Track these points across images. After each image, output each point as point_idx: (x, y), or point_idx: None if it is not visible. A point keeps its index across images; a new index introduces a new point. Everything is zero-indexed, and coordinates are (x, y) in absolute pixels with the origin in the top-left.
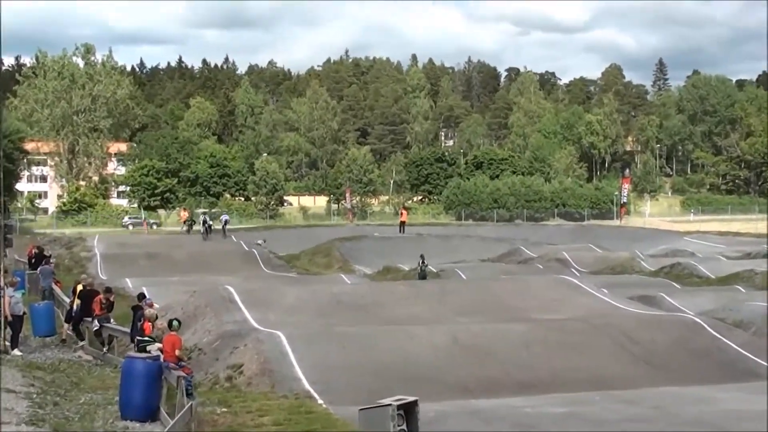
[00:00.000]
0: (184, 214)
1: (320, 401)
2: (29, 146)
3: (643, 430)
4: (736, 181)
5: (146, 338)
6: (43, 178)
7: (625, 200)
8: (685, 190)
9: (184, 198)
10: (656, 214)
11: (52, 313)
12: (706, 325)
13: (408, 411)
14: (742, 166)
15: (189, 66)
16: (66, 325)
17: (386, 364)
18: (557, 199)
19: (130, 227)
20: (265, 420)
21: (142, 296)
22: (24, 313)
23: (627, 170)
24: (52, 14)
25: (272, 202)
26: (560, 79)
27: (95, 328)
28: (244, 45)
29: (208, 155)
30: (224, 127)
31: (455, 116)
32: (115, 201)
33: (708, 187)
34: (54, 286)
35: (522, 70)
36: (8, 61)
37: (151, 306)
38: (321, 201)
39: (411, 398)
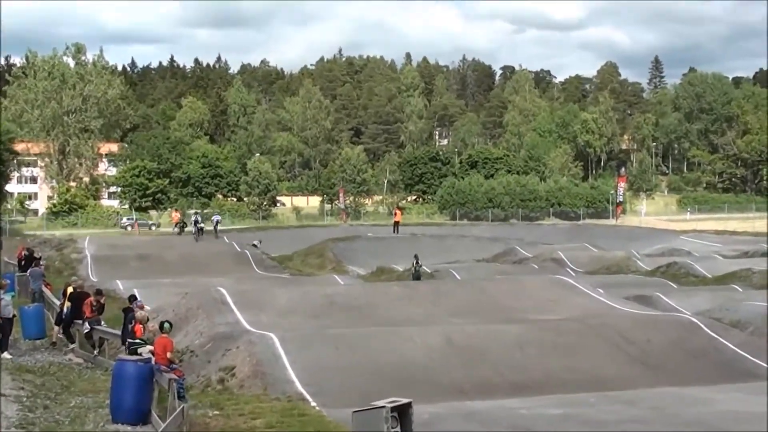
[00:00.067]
0: (176, 215)
1: (313, 404)
2: (19, 147)
3: (640, 431)
4: (733, 179)
5: (137, 341)
6: (33, 180)
7: (620, 199)
8: (682, 188)
9: (176, 199)
10: (652, 213)
11: (42, 315)
12: (702, 325)
13: (402, 413)
14: (739, 164)
15: (181, 65)
16: (56, 328)
17: (380, 366)
18: (552, 199)
19: (129, 228)
20: (258, 423)
21: (133, 298)
22: (14, 315)
23: (623, 169)
24: (42, 13)
25: (265, 203)
26: (555, 77)
27: (86, 331)
28: (237, 44)
29: (200, 155)
30: (216, 127)
31: (450, 115)
32: (106, 202)
33: (704, 185)
34: (44, 289)
35: (517, 68)
36: None
37: (142, 308)
38: (314, 201)
39: (405, 400)
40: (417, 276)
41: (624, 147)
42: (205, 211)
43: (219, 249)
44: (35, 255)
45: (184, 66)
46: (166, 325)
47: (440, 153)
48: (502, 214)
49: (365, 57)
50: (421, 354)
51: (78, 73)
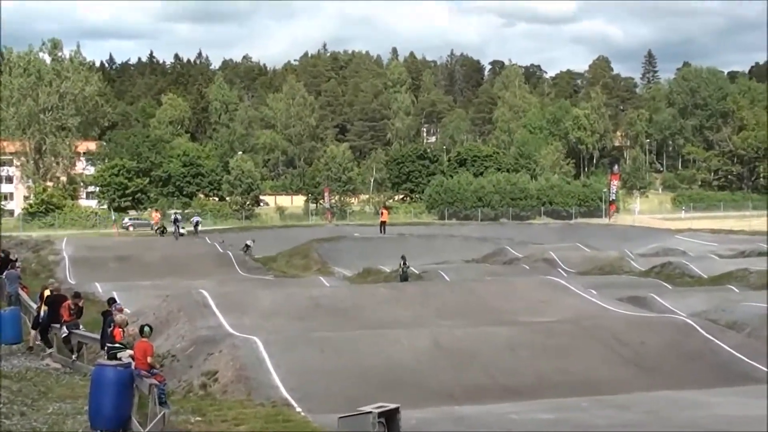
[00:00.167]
0: (156, 215)
1: (298, 409)
2: None
3: None
4: (729, 176)
5: (117, 345)
6: (9, 179)
7: (613, 197)
8: (676, 186)
9: (156, 198)
10: (646, 211)
11: (19, 319)
12: (698, 327)
13: (389, 418)
14: (735, 161)
15: (160, 61)
16: (33, 332)
17: (367, 370)
18: (544, 197)
19: (131, 228)
20: (241, 429)
21: (112, 301)
22: None
23: (616, 166)
24: (17, 8)
25: (248, 202)
26: (546, 72)
27: (64, 335)
28: (218, 39)
29: (180, 154)
30: (197, 124)
31: (438, 111)
32: (84, 202)
33: (699, 183)
34: (20, 292)
35: (507, 63)
36: None
37: (121, 311)
38: (298, 201)
39: (392, 405)
40: (404, 277)
41: (617, 144)
42: (186, 211)
43: (201, 250)
44: (11, 257)
45: (164, 62)
46: (147, 328)
47: (428, 150)
48: (492, 214)
49: (350, 52)
50: (409, 357)
51: (54, 70)
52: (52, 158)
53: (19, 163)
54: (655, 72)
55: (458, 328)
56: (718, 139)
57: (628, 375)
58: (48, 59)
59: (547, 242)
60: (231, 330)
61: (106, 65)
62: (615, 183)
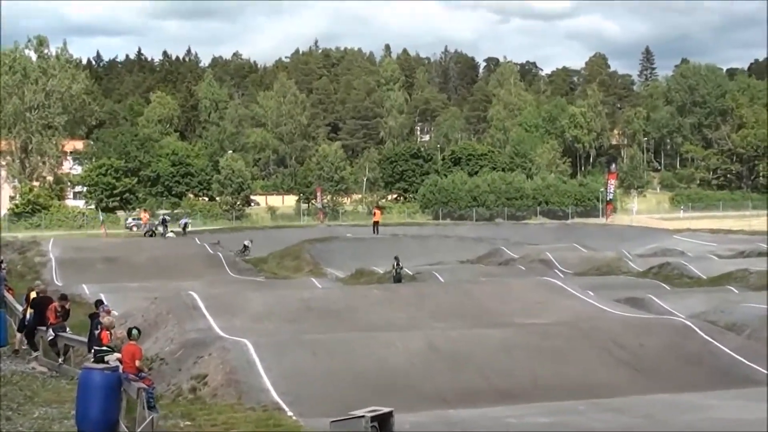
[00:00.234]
0: (145, 216)
1: (290, 413)
2: None
3: None
4: (728, 175)
5: (104, 348)
6: None
7: (611, 197)
8: (675, 185)
9: (145, 199)
10: (644, 211)
11: (4, 322)
12: (697, 329)
13: (383, 423)
14: (734, 159)
15: (149, 59)
16: (19, 335)
17: (360, 373)
18: (540, 197)
19: (134, 229)
20: None
21: (99, 303)
22: None
23: (613, 165)
24: (2, 4)
25: (238, 202)
26: (542, 70)
27: (50, 338)
28: (208, 36)
29: (169, 153)
30: (187, 123)
31: (431, 110)
32: (71, 202)
33: (698, 182)
34: (6, 294)
35: (501, 60)
36: None
37: (109, 313)
38: (290, 200)
39: (386, 409)
40: (398, 278)
41: (614, 142)
42: (175, 211)
43: (190, 251)
44: None
45: (153, 59)
46: (135, 331)
47: (422, 149)
48: (487, 213)
49: (342, 49)
50: (403, 360)
51: (40, 67)
52: (39, 157)
53: (4, 163)
54: (653, 69)
55: (453, 330)
56: (717, 137)
57: (625, 378)
58: (34, 57)
59: (543, 243)
60: (221, 333)
61: (94, 62)
62: (612, 182)
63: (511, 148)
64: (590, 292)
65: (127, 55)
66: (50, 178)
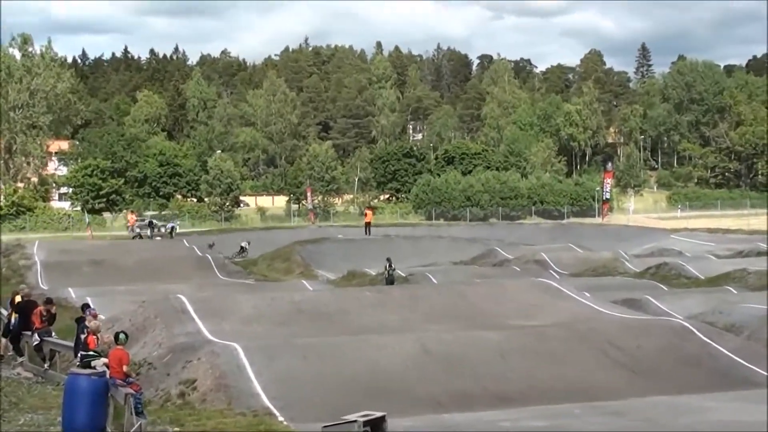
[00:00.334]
0: (132, 218)
1: (281, 418)
2: None
3: None
4: (726, 174)
5: (91, 353)
6: None
7: (607, 196)
8: (672, 184)
9: (132, 200)
10: (641, 210)
11: None
12: (695, 330)
13: (375, 427)
14: (732, 157)
15: (135, 57)
16: (3, 340)
17: (352, 377)
18: (534, 196)
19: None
20: None
21: (86, 307)
22: None
23: (609, 164)
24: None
25: (227, 203)
26: (536, 67)
27: (35, 343)
28: (195, 33)
29: (157, 153)
30: (174, 122)
31: (424, 108)
32: (56, 204)
33: (696, 180)
34: None
35: (495, 57)
36: None
37: (95, 317)
38: (280, 201)
39: (379, 413)
40: (390, 280)
41: (610, 140)
42: (163, 212)
43: (178, 254)
44: None
45: (139, 57)
46: (122, 336)
47: (414, 148)
48: (481, 213)
49: (333, 46)
50: (396, 363)
51: (25, 66)
52: (23, 158)
53: None
54: (650, 66)
55: (447, 332)
56: (715, 135)
57: (623, 380)
58: (18, 55)
59: (538, 243)
60: (210, 336)
61: (79, 61)
62: (608, 181)
63: (505, 147)
64: (586, 293)
65: (113, 54)
66: (35, 179)
